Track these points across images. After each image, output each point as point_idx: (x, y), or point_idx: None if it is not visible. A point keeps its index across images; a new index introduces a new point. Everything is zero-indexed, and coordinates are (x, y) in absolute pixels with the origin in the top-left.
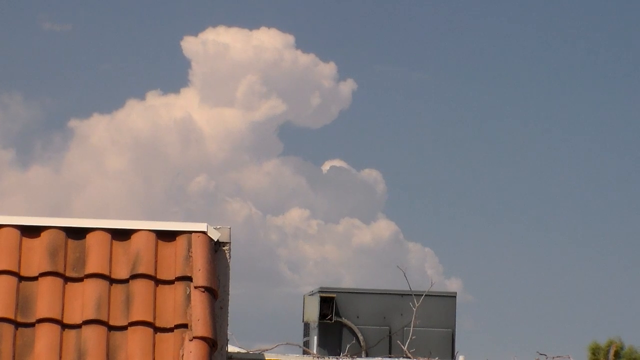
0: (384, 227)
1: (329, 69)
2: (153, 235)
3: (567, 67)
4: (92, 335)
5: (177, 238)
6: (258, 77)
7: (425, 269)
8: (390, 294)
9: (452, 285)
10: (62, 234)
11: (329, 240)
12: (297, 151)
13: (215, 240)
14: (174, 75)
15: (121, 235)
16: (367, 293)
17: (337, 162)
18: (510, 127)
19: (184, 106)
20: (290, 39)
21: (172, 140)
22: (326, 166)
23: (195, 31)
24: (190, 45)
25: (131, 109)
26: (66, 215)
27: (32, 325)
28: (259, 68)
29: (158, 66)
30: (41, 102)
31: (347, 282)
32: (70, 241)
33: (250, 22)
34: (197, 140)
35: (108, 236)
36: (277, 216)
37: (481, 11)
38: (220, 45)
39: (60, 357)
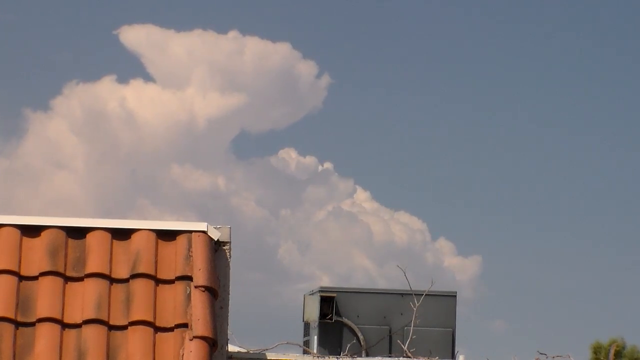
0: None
1: (306, 66)
2: (153, 234)
3: (557, 62)
4: (92, 335)
5: (177, 237)
6: (219, 70)
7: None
8: (390, 293)
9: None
10: (62, 234)
11: (312, 234)
12: (260, 148)
13: (216, 239)
14: (127, 65)
15: (121, 234)
16: (367, 292)
17: (307, 158)
18: (498, 122)
19: (141, 96)
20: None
21: (125, 131)
22: (294, 160)
23: (163, 24)
24: (148, 36)
25: (81, 98)
26: (18, 207)
27: (32, 324)
28: (218, 60)
29: (111, 56)
30: None
31: (354, 276)
32: (70, 241)
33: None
34: (151, 131)
35: (108, 236)
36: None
37: (465, 6)
38: (183, 38)
39: (60, 357)
